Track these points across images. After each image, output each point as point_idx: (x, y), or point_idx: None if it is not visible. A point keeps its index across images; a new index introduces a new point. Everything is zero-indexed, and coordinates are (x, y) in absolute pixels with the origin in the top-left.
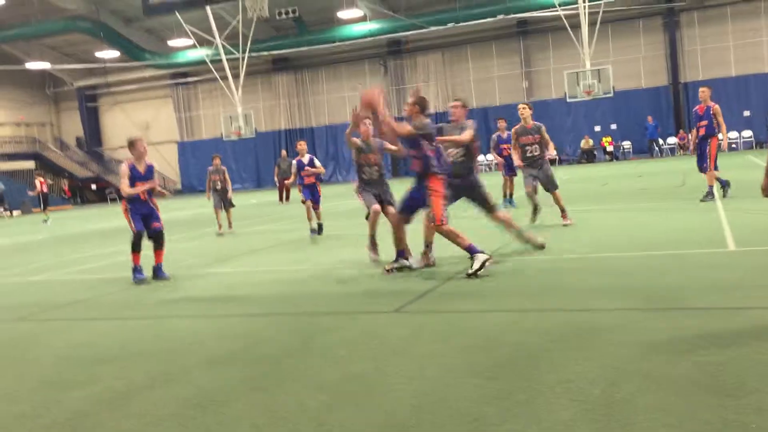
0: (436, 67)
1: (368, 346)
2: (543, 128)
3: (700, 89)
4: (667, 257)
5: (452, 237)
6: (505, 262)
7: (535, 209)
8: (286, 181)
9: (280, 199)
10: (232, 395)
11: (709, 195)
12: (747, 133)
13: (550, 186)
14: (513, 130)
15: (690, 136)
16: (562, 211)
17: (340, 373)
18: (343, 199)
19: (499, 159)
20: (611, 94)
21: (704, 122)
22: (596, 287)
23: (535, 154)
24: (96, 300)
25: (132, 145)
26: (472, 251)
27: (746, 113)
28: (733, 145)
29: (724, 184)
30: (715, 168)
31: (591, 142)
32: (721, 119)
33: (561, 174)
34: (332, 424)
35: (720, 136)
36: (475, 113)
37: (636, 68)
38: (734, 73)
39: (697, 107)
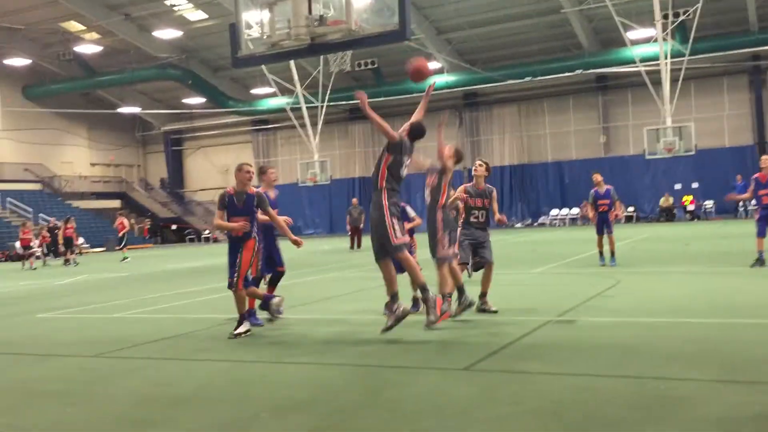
0: (512, 120)
1: (437, 403)
2: (494, 193)
3: (762, 157)
4: (751, 326)
5: None
6: (577, 322)
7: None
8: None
9: (351, 246)
10: None
11: (759, 261)
12: None
13: (489, 256)
14: (463, 188)
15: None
16: (484, 295)
17: (407, 430)
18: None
19: (593, 215)
20: (693, 152)
21: (765, 191)
22: (674, 354)
23: (481, 220)
24: (171, 340)
25: (263, 172)
26: None
27: None
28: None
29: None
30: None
31: (671, 200)
32: None
33: (639, 232)
34: None
35: None
36: (550, 167)
37: (720, 126)
38: None
39: (758, 174)
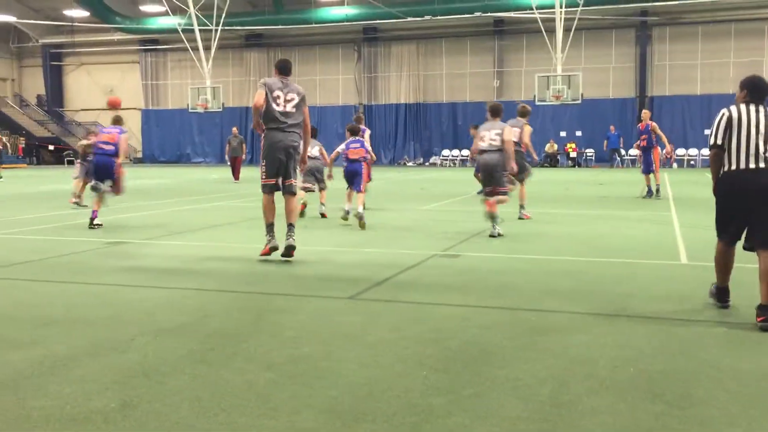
0: (410, 58)
1: (320, 329)
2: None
3: (643, 111)
4: (621, 265)
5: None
6: (461, 257)
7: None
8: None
9: (235, 176)
10: (177, 367)
11: (649, 193)
12: (707, 152)
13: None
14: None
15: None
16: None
17: (289, 354)
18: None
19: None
20: (579, 101)
21: (644, 136)
22: (550, 289)
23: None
24: (46, 262)
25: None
26: None
27: (707, 132)
28: (692, 162)
29: (651, 192)
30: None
31: (555, 146)
32: (659, 132)
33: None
34: (277, 403)
35: (660, 147)
36: (444, 107)
37: (605, 78)
38: (699, 91)
39: (639, 124)
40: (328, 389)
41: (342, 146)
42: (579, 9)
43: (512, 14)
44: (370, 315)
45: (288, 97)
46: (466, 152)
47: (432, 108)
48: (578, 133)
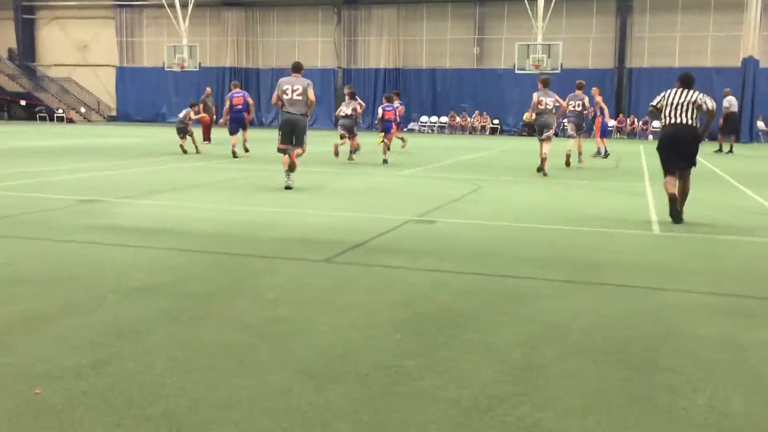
0: (390, 23)
1: (295, 292)
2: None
3: (593, 88)
4: (594, 234)
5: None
6: (437, 224)
7: None
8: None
9: (206, 138)
10: (151, 327)
11: (599, 154)
12: None
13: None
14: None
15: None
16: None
17: (265, 316)
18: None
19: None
20: (559, 71)
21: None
22: (524, 256)
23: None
24: (17, 219)
25: None
26: None
27: None
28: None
29: (600, 152)
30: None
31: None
32: (603, 105)
33: (502, 143)
34: (251, 363)
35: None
36: (424, 73)
37: (585, 48)
38: (678, 64)
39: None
40: (302, 351)
41: (380, 109)
42: None
43: None
44: (345, 278)
45: (294, 89)
46: (444, 119)
47: (411, 73)
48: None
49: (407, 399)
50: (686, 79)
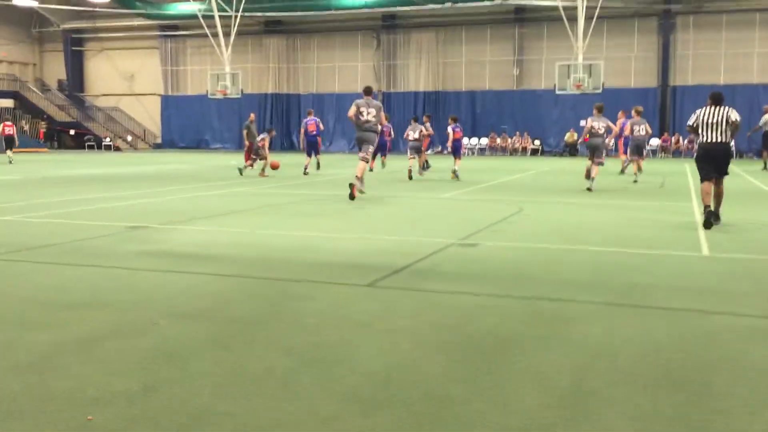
0: (429, 46)
1: (338, 317)
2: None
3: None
4: (641, 256)
5: None
6: (479, 246)
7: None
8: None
9: (250, 163)
10: (197, 352)
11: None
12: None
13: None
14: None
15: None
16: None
17: (308, 341)
18: (334, 168)
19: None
20: (600, 90)
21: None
22: (569, 279)
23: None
24: (67, 246)
25: None
26: None
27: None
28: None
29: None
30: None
31: (575, 136)
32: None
33: (543, 164)
34: (297, 389)
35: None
36: (463, 96)
37: (627, 67)
38: (723, 81)
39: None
40: (347, 376)
41: (449, 129)
42: None
43: (533, 2)
44: (388, 303)
45: (368, 111)
46: (485, 140)
47: (451, 96)
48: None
49: (455, 426)
50: (716, 98)
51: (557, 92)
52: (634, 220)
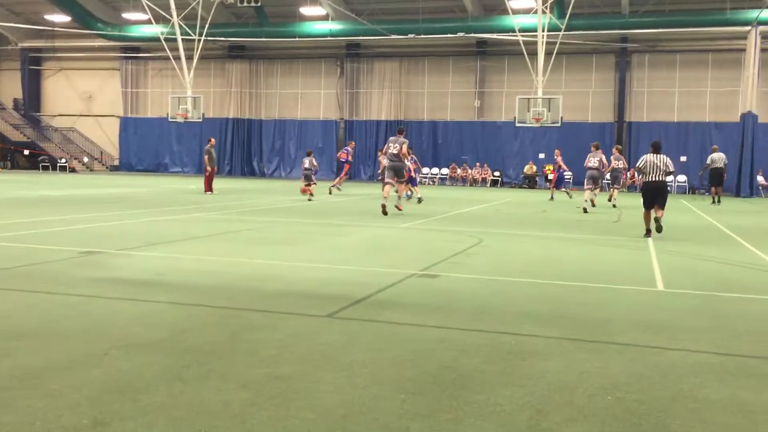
0: (392, 75)
1: (297, 348)
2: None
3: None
4: (598, 290)
5: None
6: (440, 278)
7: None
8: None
9: (208, 189)
10: (151, 384)
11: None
12: (681, 178)
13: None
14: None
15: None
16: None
17: (266, 374)
18: (288, 195)
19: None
20: (559, 124)
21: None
22: (528, 312)
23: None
24: (17, 270)
25: None
26: None
27: (683, 159)
28: (668, 189)
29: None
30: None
31: (534, 168)
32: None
33: (503, 196)
34: (254, 424)
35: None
36: (425, 126)
37: (585, 102)
38: (676, 119)
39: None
40: (304, 411)
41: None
42: (561, 33)
43: (495, 36)
44: (347, 335)
45: (395, 146)
46: (445, 171)
47: (413, 126)
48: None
49: None
50: (656, 146)
51: (517, 125)
52: (592, 254)
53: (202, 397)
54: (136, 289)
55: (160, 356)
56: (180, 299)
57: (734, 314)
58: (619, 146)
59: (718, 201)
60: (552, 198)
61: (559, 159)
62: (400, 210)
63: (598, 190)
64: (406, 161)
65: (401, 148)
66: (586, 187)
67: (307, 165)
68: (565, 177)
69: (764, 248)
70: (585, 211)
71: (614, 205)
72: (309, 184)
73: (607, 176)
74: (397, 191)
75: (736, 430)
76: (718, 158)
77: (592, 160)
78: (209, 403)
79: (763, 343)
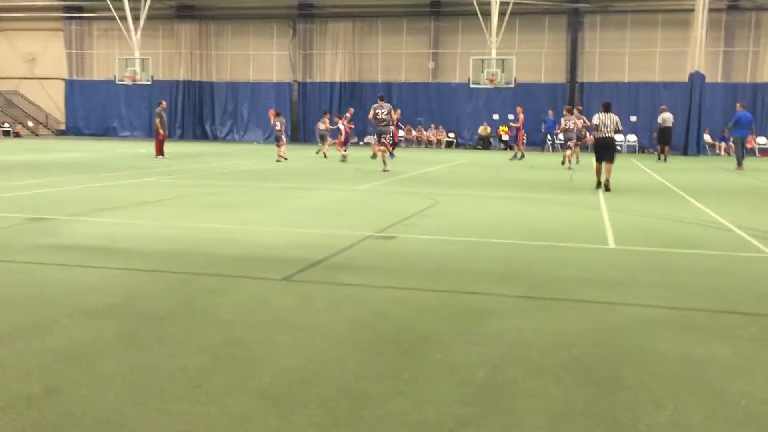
0: (345, 37)
1: (254, 312)
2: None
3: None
4: (551, 248)
5: None
6: (396, 239)
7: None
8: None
9: (159, 152)
10: (104, 350)
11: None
12: (632, 138)
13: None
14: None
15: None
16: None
17: (223, 338)
18: (243, 159)
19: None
20: (513, 85)
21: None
22: (483, 271)
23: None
24: None
25: None
26: None
27: (633, 119)
28: (618, 148)
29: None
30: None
31: (489, 129)
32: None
33: (458, 157)
34: (209, 388)
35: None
36: (380, 87)
37: (538, 63)
38: (627, 79)
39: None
40: (262, 374)
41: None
42: None
43: None
44: (304, 297)
45: (380, 112)
46: (401, 132)
47: (367, 87)
48: (510, 117)
49: (372, 423)
50: (607, 106)
51: (471, 86)
52: (546, 213)
53: (157, 362)
54: (87, 256)
55: (113, 323)
56: (133, 265)
57: (682, 270)
58: (580, 107)
59: (665, 159)
60: (520, 156)
61: (521, 116)
62: (387, 170)
63: (578, 149)
64: (391, 126)
65: (389, 112)
66: (566, 148)
67: (321, 127)
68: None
69: (710, 204)
70: (569, 169)
71: (576, 162)
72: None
73: (561, 136)
74: (382, 153)
75: (684, 380)
76: (668, 118)
77: (569, 123)
78: (165, 368)
79: (709, 297)
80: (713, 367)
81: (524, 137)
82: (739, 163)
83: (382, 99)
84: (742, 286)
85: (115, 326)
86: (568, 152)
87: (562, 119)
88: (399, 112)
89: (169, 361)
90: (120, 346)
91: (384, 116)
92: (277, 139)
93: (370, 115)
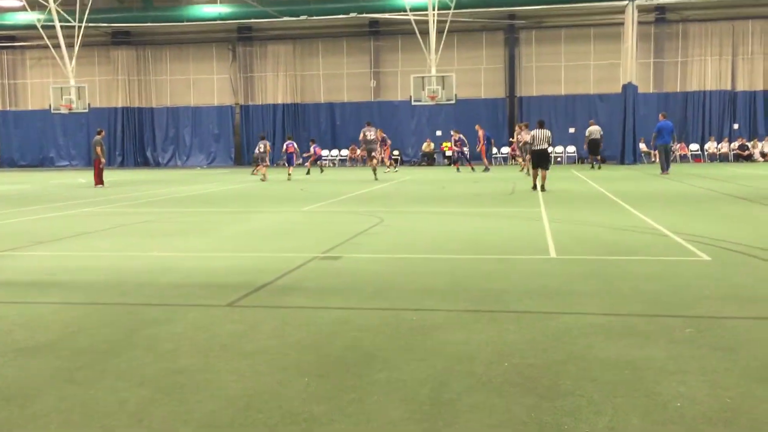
0: (286, 58)
1: (197, 340)
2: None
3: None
4: (494, 261)
5: None
6: (342, 259)
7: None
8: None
9: (98, 182)
10: (42, 388)
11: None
12: (571, 149)
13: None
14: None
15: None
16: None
17: (165, 368)
18: (185, 185)
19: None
20: (454, 101)
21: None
22: (428, 288)
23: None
24: None
25: None
26: None
27: (571, 130)
28: (558, 159)
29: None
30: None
31: (432, 145)
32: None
33: (403, 174)
34: (152, 421)
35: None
36: (322, 108)
37: (477, 78)
38: (564, 92)
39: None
40: (206, 403)
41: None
42: (451, 11)
43: (387, 15)
44: (249, 323)
45: (369, 133)
46: (345, 152)
47: (310, 108)
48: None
49: None
50: (542, 123)
51: (413, 103)
52: (489, 227)
53: (96, 398)
54: (21, 292)
55: (50, 360)
56: (71, 299)
57: (620, 276)
58: (527, 123)
59: (598, 167)
60: (484, 169)
61: (481, 133)
62: (376, 178)
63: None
64: (377, 145)
65: (375, 133)
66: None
67: (262, 149)
68: (465, 152)
69: (646, 211)
70: (528, 175)
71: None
72: (259, 166)
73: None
74: (374, 166)
75: (622, 385)
76: (595, 130)
77: (526, 137)
78: (104, 403)
79: (646, 302)
80: (649, 370)
81: (486, 151)
82: (664, 169)
83: (369, 124)
84: (678, 290)
85: (54, 363)
86: (525, 160)
87: (516, 134)
88: (381, 130)
89: (109, 396)
90: (58, 384)
91: (372, 137)
92: (257, 161)
93: (361, 136)
